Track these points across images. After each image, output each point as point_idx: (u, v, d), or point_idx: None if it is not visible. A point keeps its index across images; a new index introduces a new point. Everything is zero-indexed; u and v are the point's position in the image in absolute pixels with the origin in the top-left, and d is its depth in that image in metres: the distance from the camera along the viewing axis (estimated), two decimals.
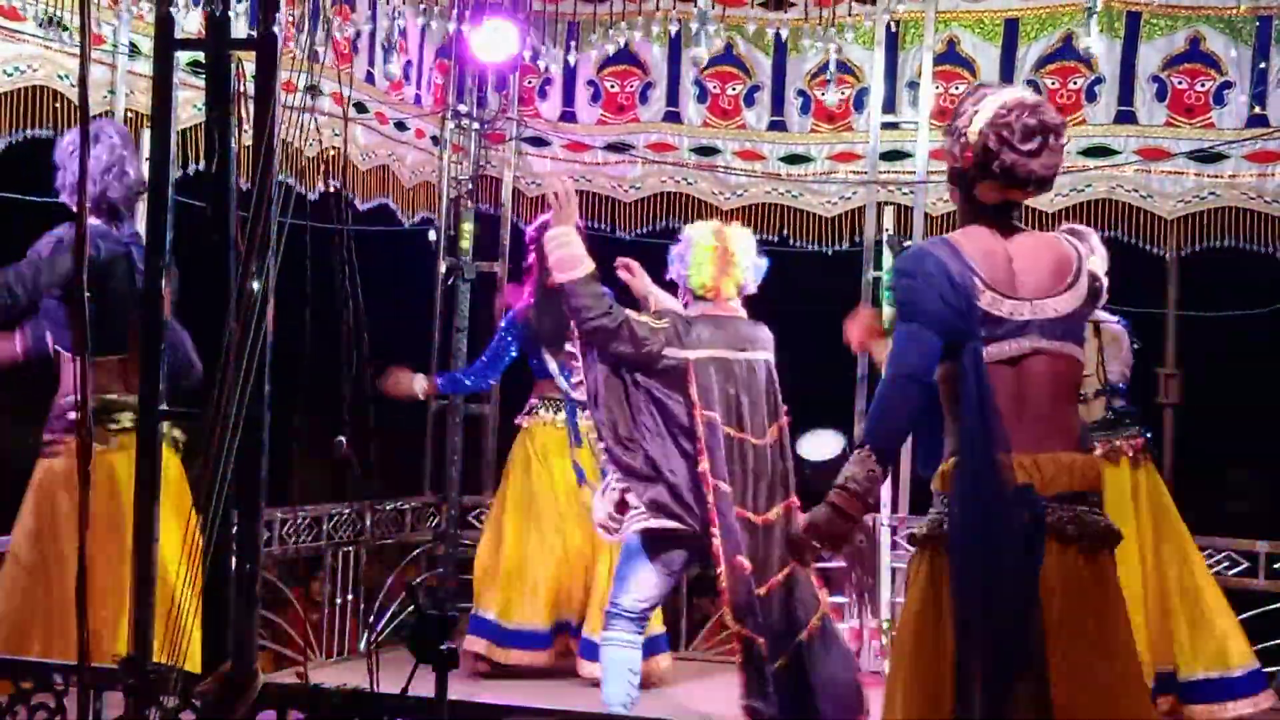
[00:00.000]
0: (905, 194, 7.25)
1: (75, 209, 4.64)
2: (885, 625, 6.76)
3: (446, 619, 3.26)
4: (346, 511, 6.88)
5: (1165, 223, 6.97)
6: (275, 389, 3.48)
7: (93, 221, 4.78)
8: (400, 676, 3.32)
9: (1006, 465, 3.35)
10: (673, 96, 7.68)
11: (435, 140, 7.75)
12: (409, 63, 7.45)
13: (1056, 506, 3.37)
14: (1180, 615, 6.03)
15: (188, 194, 3.78)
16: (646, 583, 5.27)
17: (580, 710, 4.22)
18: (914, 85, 7.26)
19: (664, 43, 7.57)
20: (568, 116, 7.83)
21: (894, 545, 6.86)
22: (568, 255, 5.20)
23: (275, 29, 3.51)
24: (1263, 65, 6.80)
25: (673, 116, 7.69)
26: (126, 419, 4.83)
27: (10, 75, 5.38)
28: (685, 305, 5.38)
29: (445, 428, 7.71)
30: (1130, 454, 6.05)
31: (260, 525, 3.52)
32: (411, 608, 3.34)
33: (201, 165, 3.68)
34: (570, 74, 7.75)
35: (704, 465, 5.12)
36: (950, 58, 7.26)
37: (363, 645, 6.93)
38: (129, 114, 5.71)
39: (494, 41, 7.11)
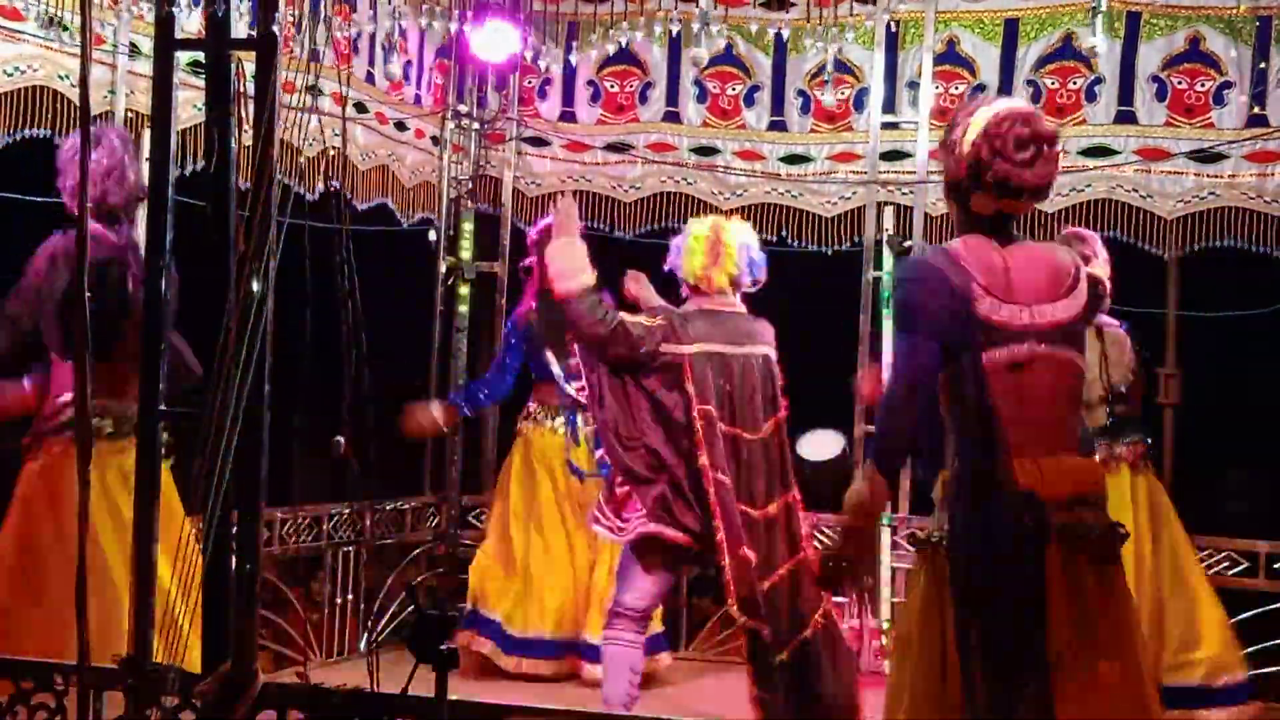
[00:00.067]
0: (905, 194, 7.25)
1: (75, 212, 4.69)
2: (885, 625, 6.77)
3: (446, 619, 3.26)
4: (346, 511, 6.88)
5: (1165, 223, 6.96)
6: (275, 389, 3.48)
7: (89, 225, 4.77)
8: (400, 676, 3.32)
9: (1008, 470, 3.35)
10: (672, 96, 7.68)
11: (435, 140, 7.75)
12: (409, 63, 7.45)
13: (1059, 511, 3.37)
14: (1172, 624, 6.01)
15: (188, 194, 3.78)
16: (647, 582, 5.27)
17: (580, 710, 4.21)
18: (914, 85, 7.25)
19: (664, 43, 7.57)
20: (568, 116, 7.83)
21: (894, 545, 6.86)
22: (567, 268, 5.21)
23: (275, 29, 3.51)
24: (1263, 65, 6.79)
25: (672, 116, 7.69)
26: (107, 425, 4.82)
27: (10, 75, 5.37)
28: (684, 298, 5.39)
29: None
30: (1130, 460, 6.05)
31: (260, 525, 3.52)
32: (411, 608, 3.33)
33: (201, 164, 3.67)
34: (570, 74, 7.75)
35: (703, 459, 5.12)
36: (950, 58, 7.26)
37: (363, 645, 6.92)
38: (129, 114, 5.71)
39: (494, 41, 7.11)
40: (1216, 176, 6.90)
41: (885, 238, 7.08)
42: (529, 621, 6.61)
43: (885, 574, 6.80)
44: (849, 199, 7.42)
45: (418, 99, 7.58)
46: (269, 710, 3.49)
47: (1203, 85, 6.91)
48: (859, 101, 7.40)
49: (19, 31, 5.38)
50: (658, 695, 6.38)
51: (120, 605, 4.48)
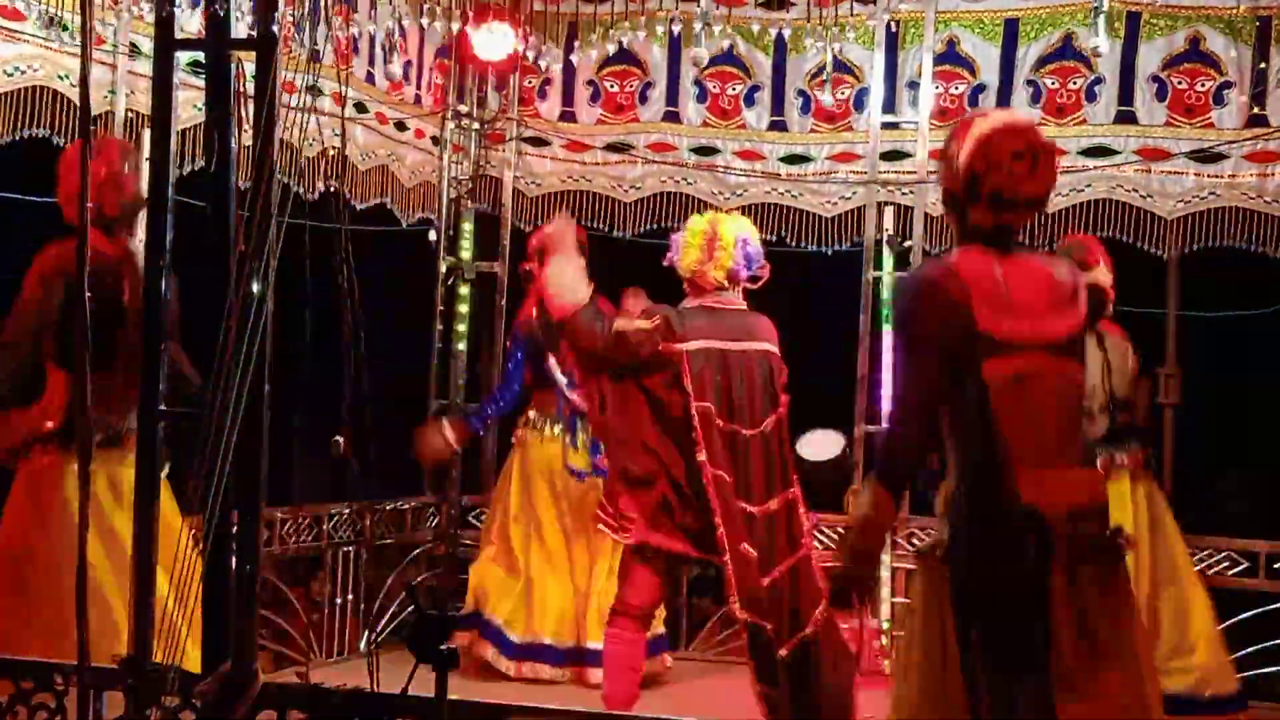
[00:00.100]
0: (905, 194, 7.25)
1: (71, 222, 4.68)
2: (886, 625, 6.77)
3: (446, 619, 3.26)
4: (346, 511, 6.88)
5: (1165, 223, 6.96)
6: (275, 389, 3.48)
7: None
8: (400, 676, 3.32)
9: (1011, 484, 3.34)
10: (672, 96, 7.68)
11: (435, 140, 7.75)
12: (409, 63, 7.45)
13: (1062, 524, 3.36)
14: (1164, 629, 6.01)
15: (188, 194, 3.78)
16: (647, 580, 5.28)
17: (580, 710, 4.21)
18: (914, 85, 7.25)
19: (664, 43, 7.57)
20: (567, 116, 7.82)
21: (894, 545, 6.86)
22: (564, 288, 5.24)
23: (275, 29, 3.51)
24: (1262, 65, 6.79)
25: (672, 116, 7.68)
26: (98, 436, 4.78)
27: (10, 75, 5.37)
28: (685, 294, 5.40)
29: None
30: (1131, 468, 6.05)
31: (260, 525, 3.52)
32: (411, 608, 3.33)
33: (200, 163, 3.67)
34: (570, 74, 7.74)
35: (702, 456, 5.12)
36: (950, 58, 7.26)
37: (363, 645, 6.92)
38: (129, 114, 5.71)
39: (494, 41, 7.11)
40: (1216, 176, 6.89)
41: (885, 238, 7.08)
42: (530, 626, 6.61)
43: (885, 574, 6.80)
44: (849, 199, 7.42)
45: (418, 99, 7.58)
46: (269, 710, 3.49)
47: (1203, 85, 6.91)
48: (859, 101, 7.40)
49: (19, 31, 5.38)
50: (658, 695, 6.37)
51: (109, 614, 4.49)
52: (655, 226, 7.58)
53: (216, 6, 3.57)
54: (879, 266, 7.10)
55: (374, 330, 3.70)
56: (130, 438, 4.76)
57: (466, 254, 7.71)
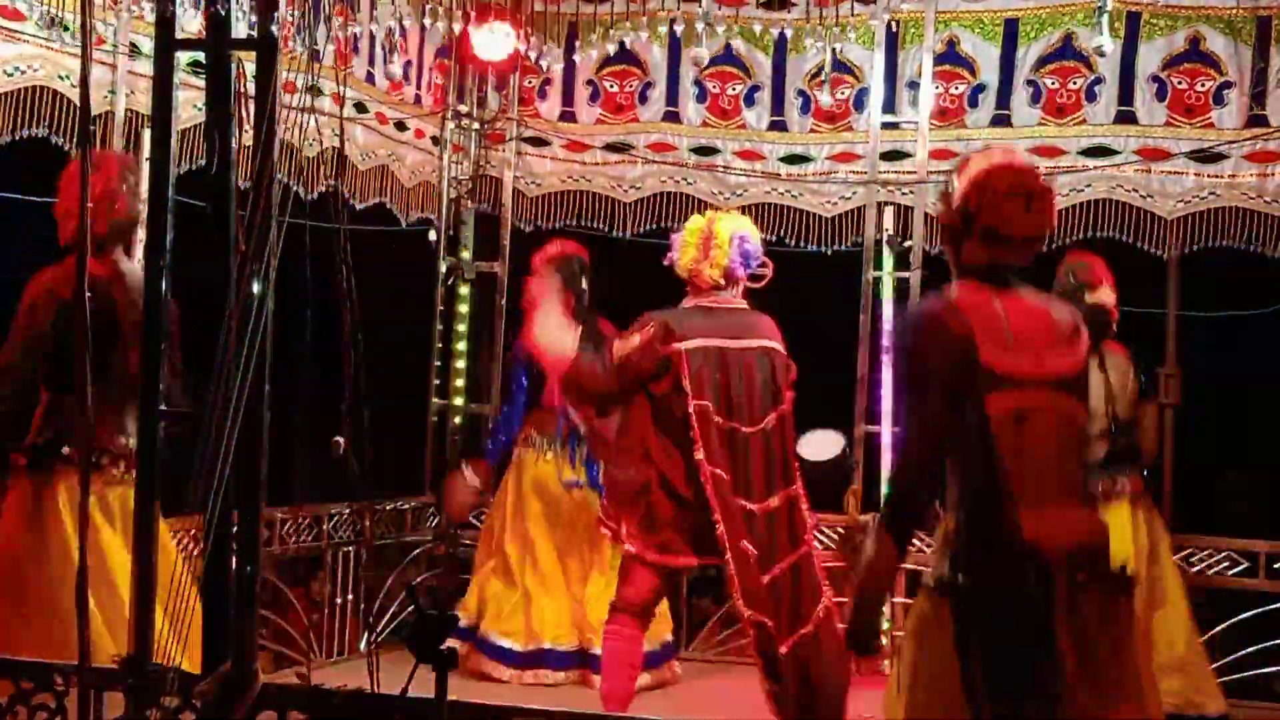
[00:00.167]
0: (905, 194, 7.25)
1: (64, 242, 4.68)
2: (886, 626, 6.76)
3: (446, 619, 3.25)
4: (346, 511, 6.88)
5: (1165, 223, 6.96)
6: (275, 389, 3.47)
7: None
8: (400, 676, 3.32)
9: (1013, 522, 3.32)
10: (672, 96, 7.68)
11: (435, 140, 7.75)
12: (409, 63, 7.45)
13: (1062, 564, 3.33)
14: (1155, 646, 6.00)
15: (188, 194, 3.78)
16: (648, 580, 5.28)
17: (580, 711, 4.21)
18: (914, 85, 7.25)
19: (664, 43, 7.57)
20: (567, 116, 7.83)
21: None
22: (553, 341, 5.30)
23: (275, 29, 3.51)
24: (1262, 65, 6.79)
25: (672, 116, 7.69)
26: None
27: (10, 75, 5.37)
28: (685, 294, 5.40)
29: (445, 428, 7.71)
30: (1130, 494, 6.05)
31: (260, 525, 3.52)
32: (411, 608, 3.33)
33: (199, 162, 3.67)
34: (570, 74, 7.74)
35: (700, 454, 5.12)
36: (950, 58, 7.26)
37: (363, 645, 6.92)
38: (129, 114, 5.71)
39: (494, 41, 7.11)
40: (1216, 176, 6.89)
41: (885, 238, 7.08)
42: (531, 635, 6.61)
43: None
44: (849, 199, 7.42)
45: (418, 99, 7.58)
46: (269, 711, 3.49)
47: (1203, 85, 6.91)
48: (859, 101, 7.40)
49: (19, 31, 5.38)
50: (658, 695, 6.37)
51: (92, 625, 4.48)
52: (655, 226, 7.58)
53: (217, 6, 3.56)
54: (879, 266, 7.10)
55: (374, 330, 3.70)
56: (120, 458, 4.78)
57: (466, 254, 7.71)
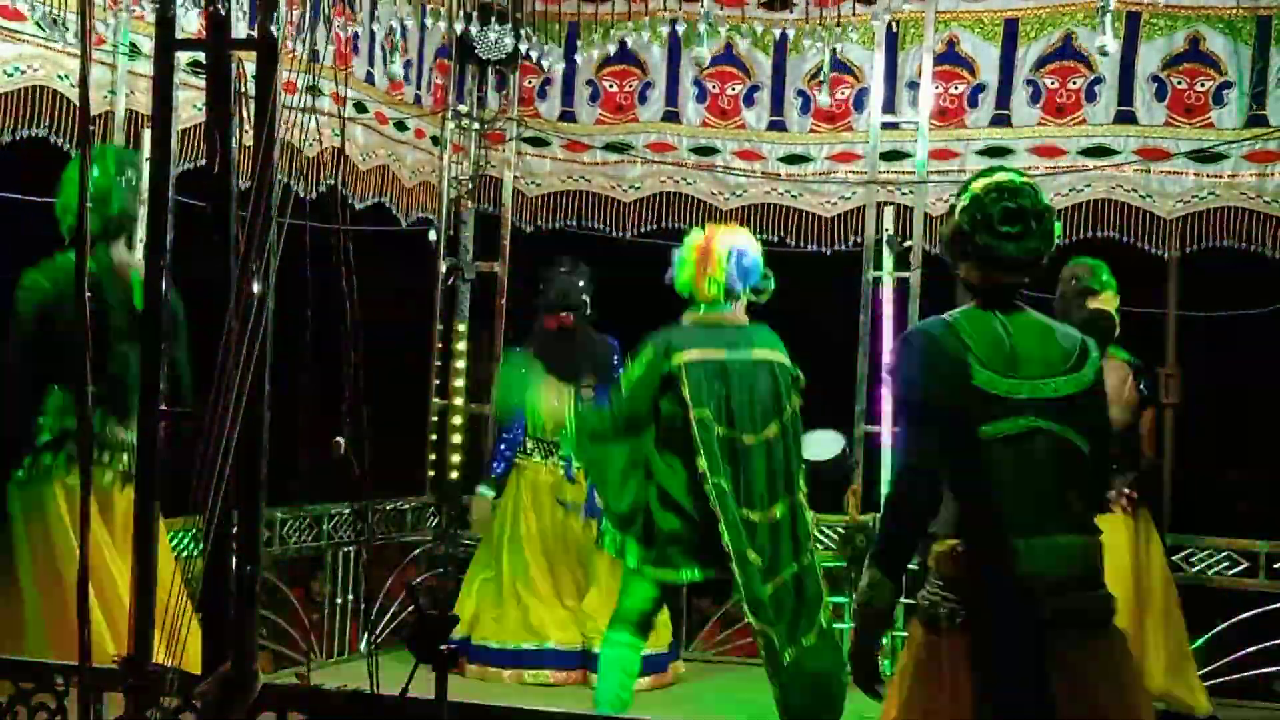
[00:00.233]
0: (905, 194, 7.25)
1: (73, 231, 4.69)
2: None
3: (446, 619, 3.25)
4: (346, 511, 6.88)
5: (1165, 223, 6.96)
6: (275, 389, 3.47)
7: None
8: (400, 676, 3.32)
9: (1005, 550, 3.29)
10: (672, 96, 7.68)
11: (435, 140, 7.75)
12: (409, 63, 7.45)
13: (1054, 594, 3.30)
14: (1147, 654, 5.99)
15: (188, 194, 3.78)
16: (647, 592, 5.29)
17: (579, 712, 4.22)
18: (914, 85, 7.25)
19: (664, 43, 7.57)
20: (567, 116, 7.83)
21: None
22: (550, 419, 5.77)
23: (275, 29, 3.51)
24: (1262, 65, 6.79)
25: (672, 116, 7.69)
26: (74, 447, 4.75)
27: (10, 75, 5.37)
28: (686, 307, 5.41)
29: (445, 428, 7.71)
30: (1125, 502, 6.04)
31: (260, 525, 3.52)
32: (411, 608, 3.33)
33: (199, 162, 3.67)
34: (570, 74, 7.74)
35: (702, 464, 5.12)
36: (950, 58, 7.26)
37: (363, 645, 6.92)
38: (129, 114, 5.71)
39: (494, 41, 7.11)
40: (1216, 176, 6.89)
41: (885, 238, 7.08)
42: (530, 634, 6.62)
43: None
44: (849, 199, 7.42)
45: (418, 99, 7.59)
46: (269, 711, 3.49)
47: (1203, 85, 6.91)
48: (859, 101, 7.40)
49: (19, 31, 5.38)
50: (658, 695, 6.38)
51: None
52: (655, 226, 7.59)
53: (217, 6, 3.56)
54: (879, 266, 7.10)
55: (374, 330, 3.69)
56: (116, 450, 4.79)
57: (467, 254, 7.71)
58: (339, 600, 6.96)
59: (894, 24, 7.28)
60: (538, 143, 7.88)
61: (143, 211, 4.81)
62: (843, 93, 7.41)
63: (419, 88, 7.58)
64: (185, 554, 4.64)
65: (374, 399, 3.62)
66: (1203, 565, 6.69)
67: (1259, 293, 7.12)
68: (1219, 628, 6.60)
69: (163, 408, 3.61)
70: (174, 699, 3.38)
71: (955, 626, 3.33)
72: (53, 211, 4.96)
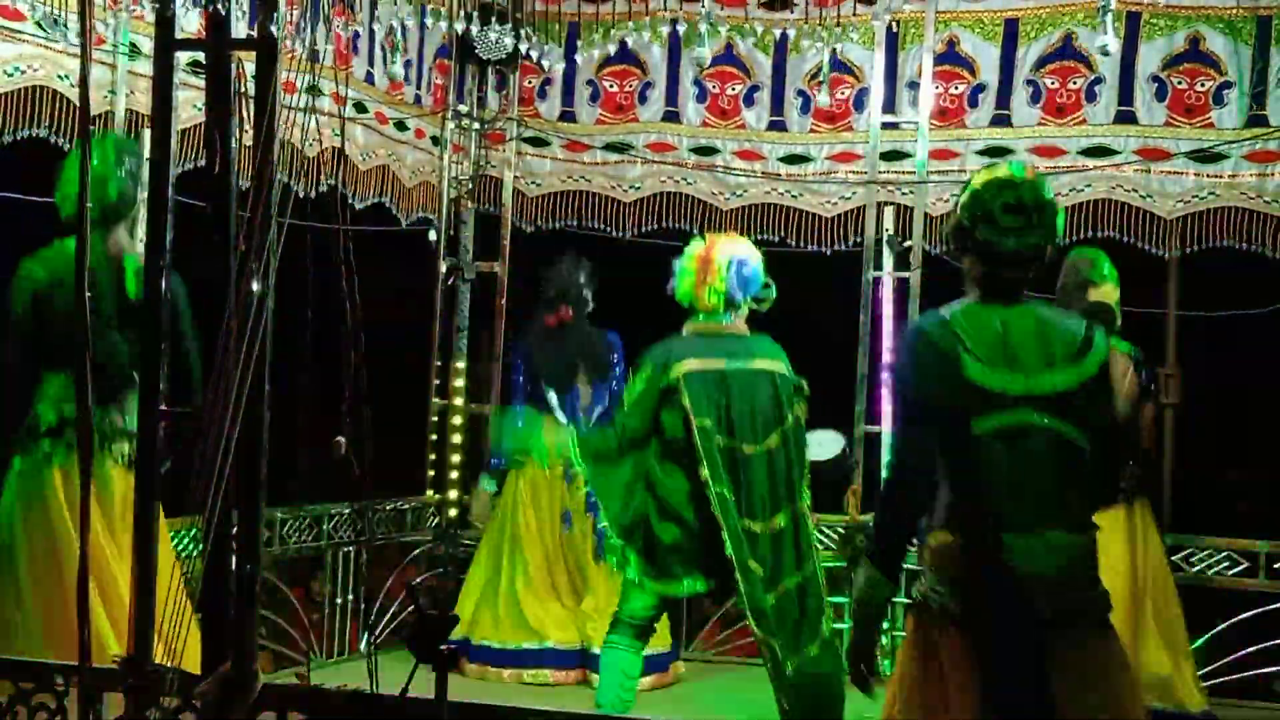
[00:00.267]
0: (905, 194, 7.25)
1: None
2: (884, 625, 6.76)
3: (446, 619, 3.25)
4: (346, 511, 6.88)
5: (1165, 223, 6.96)
6: (275, 389, 3.47)
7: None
8: (400, 676, 3.32)
9: (998, 546, 3.28)
10: (672, 96, 7.68)
11: (435, 140, 7.75)
12: (409, 63, 7.44)
13: (1047, 590, 3.29)
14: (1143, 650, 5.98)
15: (188, 194, 3.78)
16: (647, 599, 5.29)
17: (579, 711, 4.22)
18: (914, 85, 7.25)
19: (664, 43, 7.57)
20: (567, 116, 7.83)
21: None
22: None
23: (275, 29, 3.51)
24: (1262, 65, 6.79)
25: (672, 116, 7.68)
26: (71, 434, 4.77)
27: (10, 75, 5.37)
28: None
29: (445, 428, 7.71)
30: (1126, 493, 6.02)
31: (260, 525, 3.52)
32: (411, 608, 3.33)
33: (199, 162, 3.67)
34: (570, 74, 7.74)
35: (704, 473, 5.12)
36: (950, 58, 7.26)
37: (363, 645, 6.92)
38: (129, 114, 5.71)
39: (494, 41, 7.11)
40: (1216, 176, 6.89)
41: (885, 238, 7.08)
42: (529, 633, 6.62)
43: None
44: (849, 199, 7.42)
45: (418, 99, 7.58)
46: (269, 711, 3.49)
47: (1203, 85, 6.91)
48: (859, 101, 7.40)
49: (19, 31, 5.38)
50: (658, 695, 6.37)
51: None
52: (655, 227, 7.59)
53: (216, 6, 3.56)
54: (879, 267, 7.11)
55: (374, 330, 3.69)
56: (110, 436, 4.80)
57: (467, 254, 7.71)
58: (339, 600, 6.96)
59: (894, 24, 7.28)
60: (538, 143, 7.88)
61: (143, 212, 4.81)
62: (843, 93, 7.41)
63: (419, 88, 7.58)
64: (185, 554, 4.68)
65: (374, 399, 3.62)
66: (1203, 565, 6.69)
67: (1259, 293, 7.12)
68: (1219, 628, 6.60)
69: (163, 408, 3.61)
70: (174, 699, 3.38)
71: (954, 625, 3.33)
72: (53, 212, 4.96)
